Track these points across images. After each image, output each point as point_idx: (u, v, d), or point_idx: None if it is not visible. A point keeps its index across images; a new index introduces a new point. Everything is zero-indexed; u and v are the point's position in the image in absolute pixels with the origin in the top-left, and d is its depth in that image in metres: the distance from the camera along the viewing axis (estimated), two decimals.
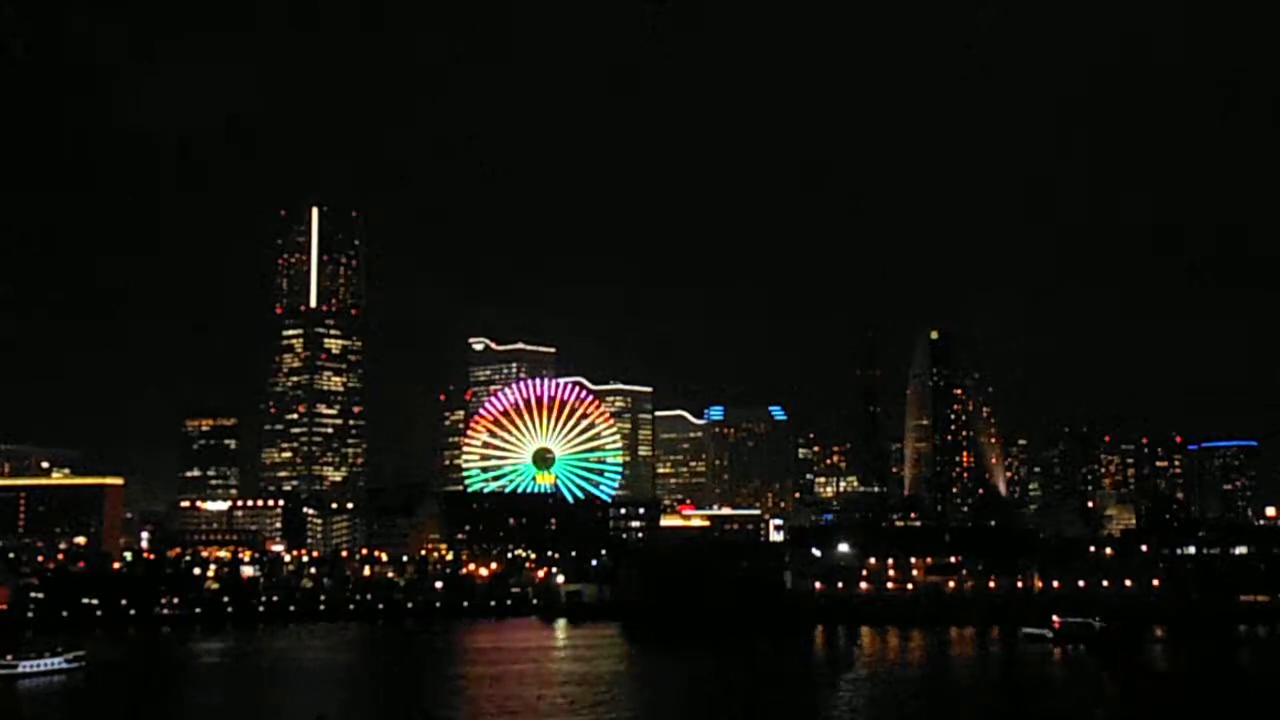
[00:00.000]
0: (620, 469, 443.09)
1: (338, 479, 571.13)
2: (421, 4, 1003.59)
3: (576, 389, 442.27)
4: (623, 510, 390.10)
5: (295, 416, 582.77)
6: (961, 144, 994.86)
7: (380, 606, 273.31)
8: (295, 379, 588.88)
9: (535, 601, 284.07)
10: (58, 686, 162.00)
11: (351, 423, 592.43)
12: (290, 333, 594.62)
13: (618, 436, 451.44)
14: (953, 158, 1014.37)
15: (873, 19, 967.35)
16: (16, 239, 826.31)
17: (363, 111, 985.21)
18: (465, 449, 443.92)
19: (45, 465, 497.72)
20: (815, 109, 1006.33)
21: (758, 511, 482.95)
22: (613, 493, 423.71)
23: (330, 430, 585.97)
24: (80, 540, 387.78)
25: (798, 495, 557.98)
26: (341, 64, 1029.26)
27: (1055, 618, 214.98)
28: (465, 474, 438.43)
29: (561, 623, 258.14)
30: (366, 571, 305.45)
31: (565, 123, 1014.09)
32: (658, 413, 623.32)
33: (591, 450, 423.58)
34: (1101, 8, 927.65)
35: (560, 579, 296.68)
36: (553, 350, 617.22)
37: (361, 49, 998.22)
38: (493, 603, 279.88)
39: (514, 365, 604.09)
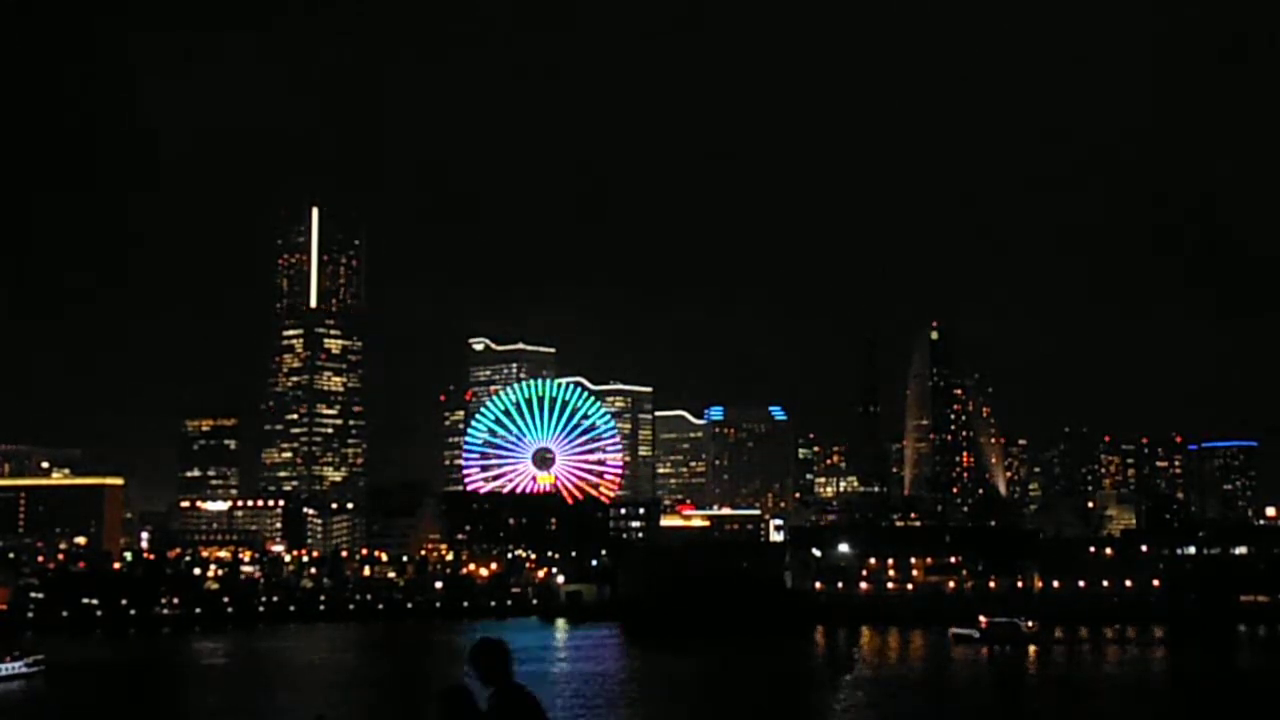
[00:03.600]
0: (620, 469, 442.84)
1: (338, 479, 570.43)
2: (421, 4, 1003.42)
3: (576, 389, 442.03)
4: (622, 510, 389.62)
5: (295, 416, 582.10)
6: (961, 145, 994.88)
7: (380, 606, 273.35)
8: (295, 379, 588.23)
9: (535, 601, 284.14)
10: (16, 692, 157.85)
11: (351, 423, 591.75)
12: (290, 333, 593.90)
13: (617, 436, 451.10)
14: (953, 158, 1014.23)
15: (872, 19, 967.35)
16: (16, 238, 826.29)
17: (363, 111, 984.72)
18: (465, 449, 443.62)
19: (45, 465, 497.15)
20: (816, 109, 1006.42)
21: (758, 511, 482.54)
22: (612, 493, 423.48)
23: (330, 430, 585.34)
24: (80, 540, 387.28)
25: (798, 495, 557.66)
26: (342, 64, 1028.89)
27: (982, 618, 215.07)
28: (465, 474, 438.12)
29: (561, 623, 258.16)
30: (366, 571, 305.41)
31: (565, 122, 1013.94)
32: (658, 413, 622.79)
33: (591, 450, 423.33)
34: (1103, 11, 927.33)
35: (560, 579, 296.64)
36: (553, 350, 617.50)
37: (362, 48, 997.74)
38: (493, 603, 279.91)
39: (514, 365, 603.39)
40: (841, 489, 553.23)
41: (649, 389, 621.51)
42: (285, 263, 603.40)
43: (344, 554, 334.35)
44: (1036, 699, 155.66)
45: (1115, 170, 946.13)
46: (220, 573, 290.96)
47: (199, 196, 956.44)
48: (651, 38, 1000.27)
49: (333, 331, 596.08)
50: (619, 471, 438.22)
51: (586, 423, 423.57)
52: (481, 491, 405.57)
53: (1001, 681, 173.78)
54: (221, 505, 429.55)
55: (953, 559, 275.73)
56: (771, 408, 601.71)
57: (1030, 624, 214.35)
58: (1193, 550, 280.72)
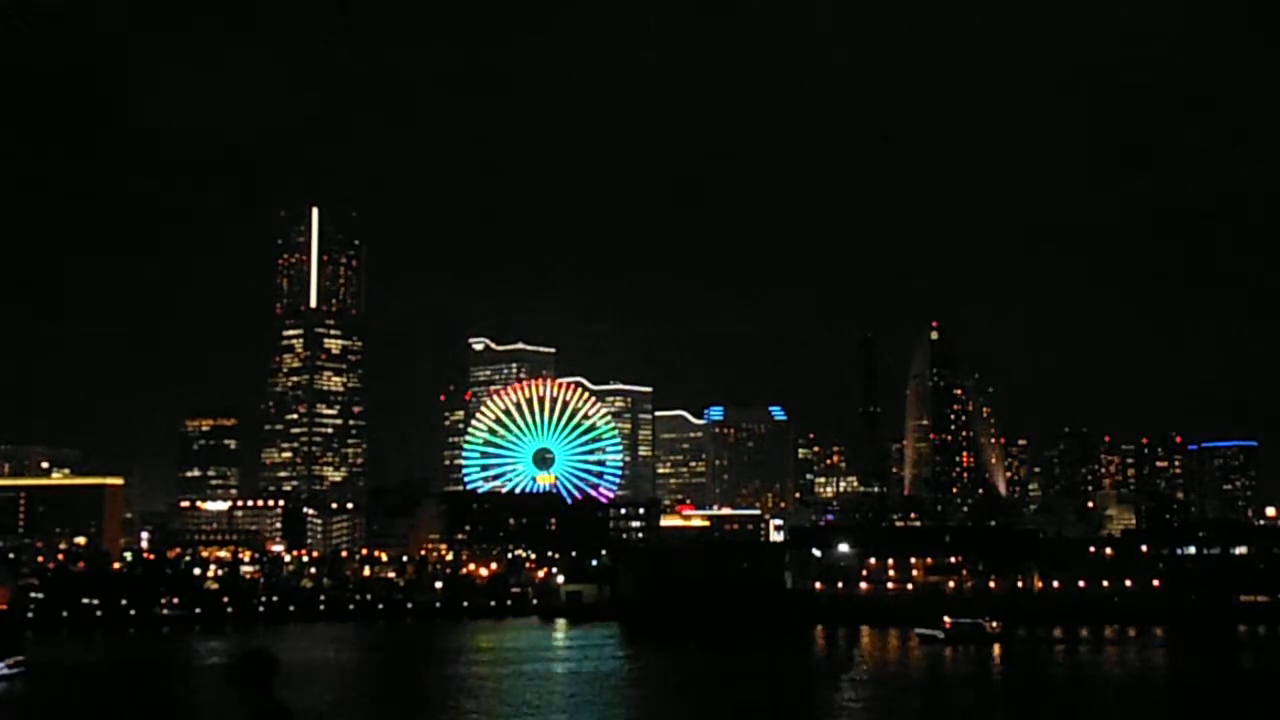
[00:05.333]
0: (620, 469, 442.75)
1: (338, 479, 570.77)
2: (421, 4, 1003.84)
3: (576, 389, 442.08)
4: (622, 510, 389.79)
5: (295, 416, 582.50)
6: (961, 144, 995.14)
7: (380, 607, 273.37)
8: (295, 379, 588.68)
9: (535, 601, 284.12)
10: None
11: (351, 423, 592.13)
12: (290, 333, 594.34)
13: (617, 436, 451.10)
14: (954, 157, 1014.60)
15: (873, 18, 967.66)
16: (17, 237, 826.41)
17: (363, 111, 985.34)
18: (465, 449, 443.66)
19: (45, 465, 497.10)
20: (815, 108, 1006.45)
21: (758, 511, 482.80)
22: (612, 493, 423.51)
23: (330, 430, 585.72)
24: (80, 540, 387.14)
25: (798, 495, 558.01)
26: (342, 64, 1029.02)
27: (946, 618, 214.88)
28: (465, 474, 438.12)
29: (561, 623, 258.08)
30: (366, 572, 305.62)
31: (564, 123, 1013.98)
32: (658, 413, 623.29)
33: (591, 450, 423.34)
34: (1100, 9, 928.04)
35: (560, 579, 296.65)
36: (553, 350, 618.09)
37: (362, 49, 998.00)
38: (492, 603, 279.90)
39: (514, 365, 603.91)
40: (841, 489, 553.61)
41: (649, 389, 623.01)
42: (285, 263, 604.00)
43: (344, 554, 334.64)
44: (1034, 700, 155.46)
45: (1116, 170, 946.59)
46: (220, 573, 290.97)
47: (199, 196, 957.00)
48: (649, 39, 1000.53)
49: (333, 331, 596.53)
50: (619, 472, 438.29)
51: (586, 423, 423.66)
52: (481, 491, 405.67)
53: (999, 681, 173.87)
54: (221, 505, 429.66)
55: (953, 559, 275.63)
56: (771, 408, 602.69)
57: (994, 624, 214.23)
58: (1193, 550, 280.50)
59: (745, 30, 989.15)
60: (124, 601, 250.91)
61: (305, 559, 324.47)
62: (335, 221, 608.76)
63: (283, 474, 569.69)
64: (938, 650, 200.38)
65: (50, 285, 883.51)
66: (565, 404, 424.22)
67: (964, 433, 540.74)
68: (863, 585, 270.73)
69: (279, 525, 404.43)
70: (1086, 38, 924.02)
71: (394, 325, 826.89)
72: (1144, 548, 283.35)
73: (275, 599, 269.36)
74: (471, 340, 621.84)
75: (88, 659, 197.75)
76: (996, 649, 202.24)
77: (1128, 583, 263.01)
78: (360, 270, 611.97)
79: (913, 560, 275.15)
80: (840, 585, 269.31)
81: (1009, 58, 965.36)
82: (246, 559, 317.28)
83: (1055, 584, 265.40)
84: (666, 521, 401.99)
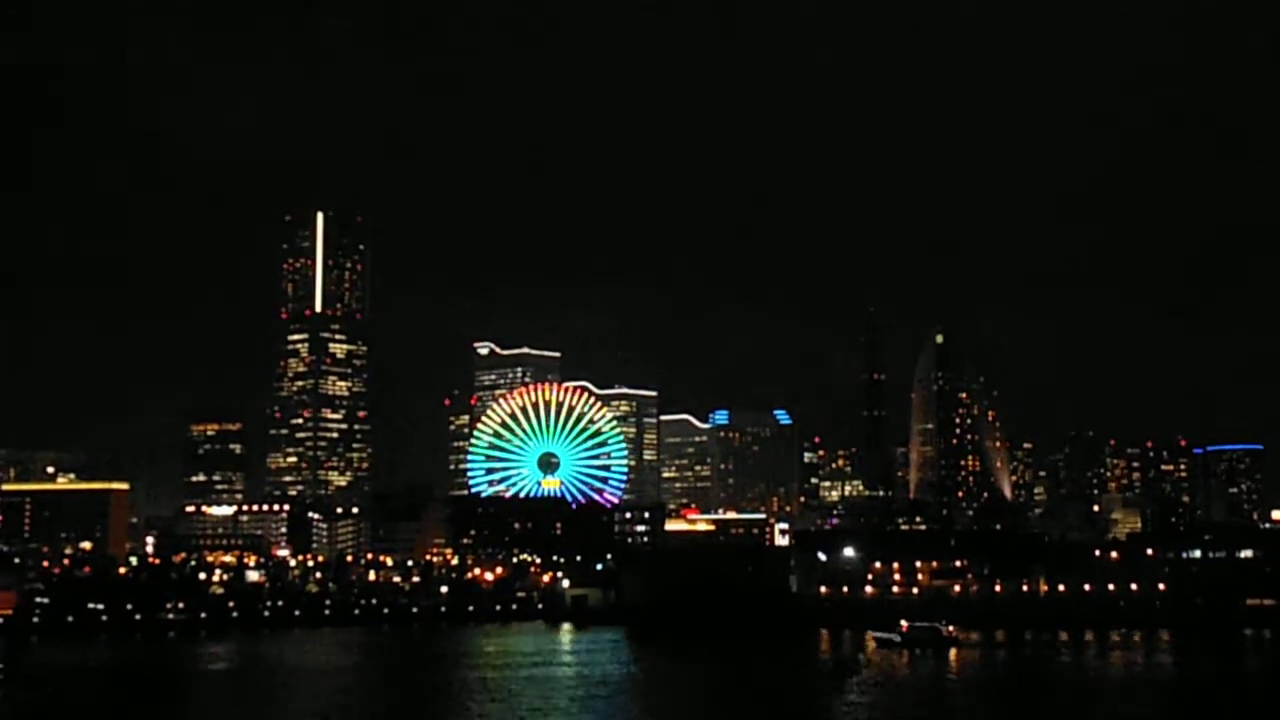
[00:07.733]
0: (625, 473, 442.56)
1: (343, 484, 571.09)
2: (427, 5, 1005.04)
3: (581, 393, 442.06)
4: (628, 514, 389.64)
5: (300, 421, 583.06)
6: (963, 145, 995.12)
7: (385, 611, 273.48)
8: (300, 384, 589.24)
9: (540, 606, 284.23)
10: None
11: (356, 427, 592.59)
12: (295, 337, 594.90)
13: (622, 440, 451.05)
14: (956, 159, 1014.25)
15: (874, 21, 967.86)
16: (20, 239, 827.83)
17: (367, 113, 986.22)
18: (470, 453, 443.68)
19: (51, 470, 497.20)
20: (818, 110, 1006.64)
21: (763, 515, 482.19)
22: (617, 497, 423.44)
23: (335, 435, 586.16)
24: (86, 545, 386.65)
25: (803, 499, 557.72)
26: (344, 65, 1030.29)
27: (903, 622, 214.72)
28: (470, 478, 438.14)
29: (566, 627, 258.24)
30: (371, 576, 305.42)
31: (567, 126, 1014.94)
32: (663, 417, 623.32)
33: (596, 454, 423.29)
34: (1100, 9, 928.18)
35: (565, 583, 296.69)
36: (557, 354, 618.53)
37: (364, 50, 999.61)
38: (498, 607, 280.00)
39: (519, 369, 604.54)
40: (846, 493, 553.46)
41: (654, 393, 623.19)
42: (290, 267, 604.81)
43: (349, 559, 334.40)
44: (1036, 702, 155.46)
45: (1121, 175, 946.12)
46: (225, 577, 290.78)
47: (204, 200, 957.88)
48: (650, 40, 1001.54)
49: (338, 336, 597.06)
50: (624, 476, 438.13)
51: (592, 427, 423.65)
52: (486, 496, 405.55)
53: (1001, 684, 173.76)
54: (227, 510, 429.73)
55: (958, 563, 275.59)
56: (776, 412, 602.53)
57: (950, 628, 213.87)
58: (1198, 554, 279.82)
59: (746, 30, 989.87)
60: (129, 606, 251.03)
61: (310, 564, 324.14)
62: (340, 226, 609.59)
63: (288, 479, 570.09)
64: (935, 653, 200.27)
65: (53, 288, 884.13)
66: (570, 408, 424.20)
67: (969, 436, 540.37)
68: (868, 589, 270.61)
69: (284, 530, 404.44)
70: (1086, 37, 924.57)
71: (399, 329, 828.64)
72: (1149, 551, 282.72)
73: (280, 604, 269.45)
74: (476, 344, 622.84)
75: (78, 663, 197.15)
76: (953, 653, 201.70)
77: (1133, 586, 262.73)
78: (365, 274, 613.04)
79: (918, 564, 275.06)
80: (845, 589, 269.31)
81: (1008, 57, 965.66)
82: (252, 564, 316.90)
83: (1061, 587, 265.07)
84: (671, 525, 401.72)
